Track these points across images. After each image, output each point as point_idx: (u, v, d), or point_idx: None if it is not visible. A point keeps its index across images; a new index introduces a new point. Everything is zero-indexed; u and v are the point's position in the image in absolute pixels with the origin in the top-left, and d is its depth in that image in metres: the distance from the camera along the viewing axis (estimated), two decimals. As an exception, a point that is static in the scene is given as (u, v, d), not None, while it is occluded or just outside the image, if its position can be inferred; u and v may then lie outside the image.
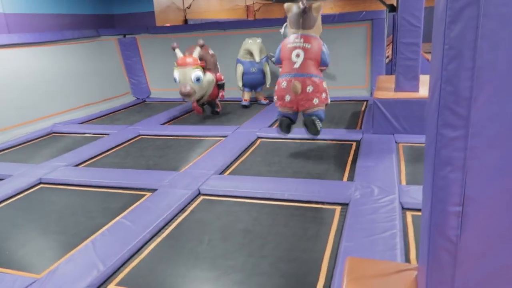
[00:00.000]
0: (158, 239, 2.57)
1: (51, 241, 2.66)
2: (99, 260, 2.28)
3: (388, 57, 7.09)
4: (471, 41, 0.95)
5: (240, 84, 5.99)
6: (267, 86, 6.03)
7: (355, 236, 2.33)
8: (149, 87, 7.61)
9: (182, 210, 2.93)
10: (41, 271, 2.30)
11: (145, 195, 3.20)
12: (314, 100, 3.66)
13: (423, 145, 1.31)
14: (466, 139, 1.01)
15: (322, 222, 2.64)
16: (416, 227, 2.49)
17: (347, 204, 2.80)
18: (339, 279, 1.96)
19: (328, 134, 4.41)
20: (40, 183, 3.61)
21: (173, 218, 2.81)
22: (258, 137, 4.56)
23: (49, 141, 5.03)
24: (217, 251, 2.39)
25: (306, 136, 4.40)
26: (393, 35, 7.31)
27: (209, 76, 5.11)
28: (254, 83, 6.01)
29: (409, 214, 2.65)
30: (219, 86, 5.41)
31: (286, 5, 3.95)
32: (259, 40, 5.86)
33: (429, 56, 7.44)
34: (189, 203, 3.03)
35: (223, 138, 4.54)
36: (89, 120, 6.00)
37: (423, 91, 4.23)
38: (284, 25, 5.38)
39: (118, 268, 2.28)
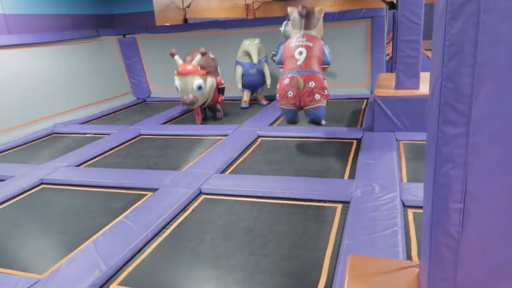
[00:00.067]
0: (160, 239, 2.57)
1: (53, 241, 2.66)
2: (101, 260, 2.28)
3: (388, 54, 7.08)
4: (472, 37, 0.94)
5: (240, 85, 5.94)
6: (268, 86, 5.98)
7: (356, 234, 2.33)
8: (150, 86, 7.61)
9: (184, 209, 2.94)
10: (43, 272, 2.30)
11: (146, 194, 3.21)
12: (316, 96, 3.85)
13: (424, 142, 1.31)
14: (467, 136, 1.01)
15: (324, 220, 2.64)
16: (418, 224, 2.49)
17: (348, 202, 2.80)
18: (340, 277, 1.96)
19: (329, 132, 4.41)
20: (42, 183, 3.61)
21: (174, 218, 2.82)
22: (259, 136, 4.56)
23: (50, 142, 5.04)
24: (219, 250, 2.39)
25: (306, 134, 4.42)
26: (393, 33, 7.30)
27: (210, 80, 5.05)
28: (254, 84, 5.96)
29: (410, 212, 2.65)
30: (219, 90, 5.35)
31: (289, 9, 4.18)
32: (256, 41, 5.79)
33: (429, 54, 7.43)
34: (190, 202, 3.03)
35: (224, 137, 4.54)
36: (90, 120, 6.00)
37: (424, 88, 4.22)
38: (284, 23, 5.39)
39: (120, 268, 2.28)
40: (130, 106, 6.91)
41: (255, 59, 5.65)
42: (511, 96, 0.96)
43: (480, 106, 0.98)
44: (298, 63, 3.87)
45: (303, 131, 4.52)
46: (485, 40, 0.93)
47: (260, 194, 3.04)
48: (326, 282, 2.03)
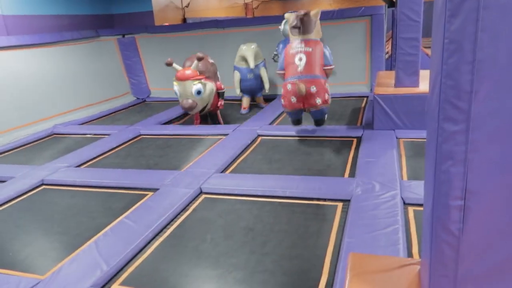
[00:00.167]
0: (161, 238, 2.57)
1: (54, 242, 2.66)
2: (102, 260, 2.28)
3: (387, 52, 7.08)
4: (471, 34, 0.94)
5: (238, 91, 5.81)
6: (266, 91, 5.88)
7: (357, 232, 2.33)
8: (149, 86, 7.61)
9: (184, 209, 2.94)
10: (45, 272, 2.31)
11: (147, 194, 3.21)
12: (317, 100, 3.96)
13: (424, 140, 1.31)
14: (467, 133, 1.01)
15: (324, 219, 2.64)
16: (418, 222, 2.49)
17: (348, 201, 2.81)
18: (342, 275, 1.96)
19: (329, 131, 4.41)
20: (42, 184, 3.61)
21: (175, 217, 2.82)
22: (259, 135, 4.56)
23: (50, 143, 5.04)
24: (220, 249, 2.39)
25: (306, 133, 4.42)
26: (393, 31, 7.30)
27: (210, 85, 4.96)
28: (252, 89, 5.83)
29: (410, 209, 2.65)
30: (219, 94, 5.25)
31: (286, 15, 4.18)
32: (253, 46, 5.67)
33: (428, 51, 7.42)
34: (191, 202, 3.03)
35: (224, 137, 4.54)
36: (90, 121, 6.00)
37: (423, 86, 4.22)
38: (284, 21, 5.39)
39: (122, 268, 2.28)
40: (130, 106, 6.91)
41: (251, 64, 5.52)
42: (511, 93, 0.96)
43: (480, 103, 0.98)
44: (299, 69, 3.93)
45: (303, 130, 4.53)
46: (484, 37, 0.93)
47: (260, 193, 3.04)
48: (327, 281, 2.03)
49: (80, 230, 2.77)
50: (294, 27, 4.02)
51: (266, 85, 5.80)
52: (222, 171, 3.57)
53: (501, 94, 0.96)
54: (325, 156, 3.80)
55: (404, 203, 2.70)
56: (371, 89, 6.19)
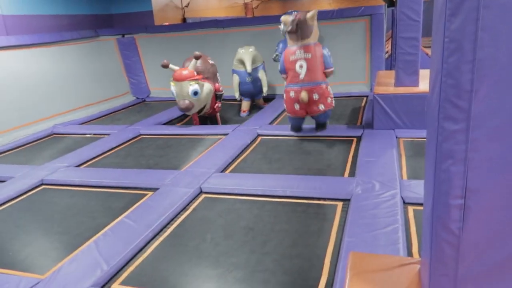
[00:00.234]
0: (161, 238, 2.57)
1: (54, 241, 2.66)
2: (102, 259, 2.28)
3: (387, 52, 7.08)
4: (471, 33, 0.94)
5: (237, 94, 5.74)
6: (265, 94, 5.82)
7: (357, 231, 2.34)
8: (149, 86, 7.60)
9: (184, 208, 2.94)
10: (45, 272, 2.31)
11: (147, 194, 3.21)
12: (320, 106, 4.09)
13: (424, 139, 1.31)
14: (467, 132, 1.01)
15: (324, 218, 2.64)
16: (418, 221, 2.49)
17: (348, 200, 2.81)
18: (342, 274, 1.96)
19: (329, 130, 4.41)
20: (42, 184, 3.61)
21: (175, 217, 2.82)
22: (259, 135, 4.56)
23: (49, 142, 5.04)
24: (220, 249, 2.39)
25: (306, 133, 4.42)
26: (392, 30, 7.30)
27: (208, 86, 4.86)
28: (252, 92, 5.76)
29: (410, 209, 2.65)
30: (217, 96, 5.17)
31: (283, 18, 4.09)
32: (251, 49, 5.60)
33: (428, 51, 7.43)
34: (191, 201, 3.04)
35: (224, 136, 4.54)
36: (90, 121, 6.00)
37: (423, 85, 4.22)
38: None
39: (122, 267, 2.28)
40: (129, 106, 6.91)
41: (248, 68, 5.43)
42: (511, 92, 0.96)
43: (480, 102, 0.98)
44: (300, 77, 4.01)
45: (302, 129, 4.53)
46: (485, 36, 0.94)
47: (260, 193, 3.04)
48: (327, 280, 2.04)
49: (80, 229, 2.77)
50: (290, 32, 3.99)
51: (265, 88, 5.73)
52: (222, 171, 3.57)
53: (501, 93, 0.96)
54: (325, 156, 3.80)
55: (404, 202, 2.70)
56: (371, 89, 6.19)
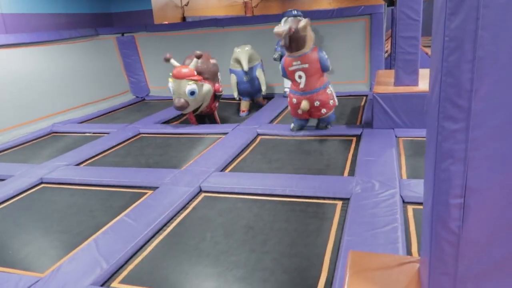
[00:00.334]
0: (161, 237, 2.57)
1: (53, 240, 2.66)
2: (102, 258, 2.28)
3: (387, 51, 7.08)
4: (471, 32, 0.94)
5: (236, 94, 5.69)
6: (263, 93, 5.79)
7: (356, 231, 2.34)
8: (148, 85, 7.60)
9: (184, 207, 2.94)
10: (45, 270, 2.31)
11: (146, 193, 3.21)
12: (322, 111, 4.21)
13: (423, 139, 1.31)
14: (467, 131, 1.01)
15: (324, 217, 2.65)
16: (417, 220, 2.50)
17: (348, 199, 2.81)
18: (341, 273, 1.97)
19: (328, 130, 4.41)
20: (42, 183, 3.61)
21: (175, 216, 2.82)
22: (258, 134, 4.56)
23: (49, 141, 5.03)
24: (220, 248, 2.40)
25: (306, 132, 4.43)
26: (392, 29, 7.30)
27: (207, 87, 4.80)
28: (250, 91, 5.71)
29: (410, 208, 2.66)
30: (216, 97, 5.10)
31: (275, 30, 3.92)
32: (247, 48, 5.53)
33: (428, 50, 7.43)
34: (190, 200, 3.04)
35: (224, 136, 4.54)
36: (89, 119, 5.99)
37: (423, 85, 4.22)
38: (283, 19, 5.38)
39: (122, 266, 2.29)
40: (129, 105, 6.91)
41: (245, 67, 5.37)
42: (511, 91, 0.96)
43: (480, 101, 0.98)
44: (301, 86, 4.12)
45: (302, 129, 4.53)
46: (485, 35, 0.94)
47: (260, 192, 3.04)
48: (326, 279, 2.04)
49: (79, 228, 2.77)
50: (285, 47, 4.03)
51: (263, 87, 5.67)
52: (222, 170, 3.57)
53: (502, 92, 0.96)
54: (324, 155, 3.80)
55: (403, 201, 2.71)
56: (370, 88, 6.19)
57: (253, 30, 6.67)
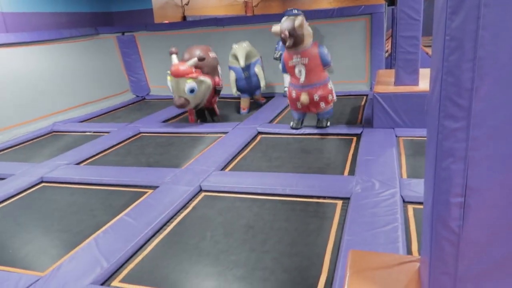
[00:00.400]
0: (161, 236, 2.58)
1: (54, 239, 2.67)
2: (102, 257, 2.28)
3: (387, 51, 7.07)
4: (472, 31, 0.94)
5: (234, 90, 5.66)
6: (263, 88, 5.76)
7: (356, 230, 2.34)
8: (149, 84, 7.60)
9: (184, 206, 2.94)
10: (45, 269, 2.31)
11: (147, 192, 3.21)
12: (321, 105, 4.24)
13: (424, 138, 1.31)
14: (467, 130, 1.02)
15: (324, 217, 2.65)
16: (418, 220, 2.50)
17: (348, 198, 2.81)
18: (341, 272, 1.97)
19: (329, 129, 4.41)
20: (42, 182, 3.61)
21: (175, 215, 2.82)
22: (259, 133, 4.57)
23: (49, 140, 5.04)
24: (220, 247, 2.40)
25: (306, 131, 4.43)
26: (393, 29, 7.29)
27: (207, 82, 4.72)
28: (249, 87, 5.70)
29: (410, 207, 2.66)
30: (216, 91, 5.04)
31: (273, 30, 4.14)
32: (245, 44, 5.52)
33: (428, 50, 7.43)
34: (191, 199, 3.04)
35: (224, 135, 4.54)
36: (89, 119, 6.00)
37: (423, 84, 4.22)
38: (283, 19, 5.37)
39: (122, 265, 2.29)
40: (129, 104, 6.91)
41: (242, 63, 5.35)
42: (511, 91, 0.96)
43: (481, 100, 0.98)
44: (301, 81, 4.15)
45: (302, 128, 4.53)
46: (485, 34, 0.94)
47: (260, 191, 3.04)
48: (327, 278, 2.04)
49: (80, 227, 2.77)
50: (283, 42, 4.06)
51: (262, 83, 5.65)
52: (222, 169, 3.57)
53: (502, 91, 0.96)
54: (324, 154, 3.80)
55: (404, 201, 2.71)
56: (370, 88, 6.19)
57: (253, 29, 6.66)
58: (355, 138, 4.16)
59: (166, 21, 9.02)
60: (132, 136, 4.86)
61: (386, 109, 4.16)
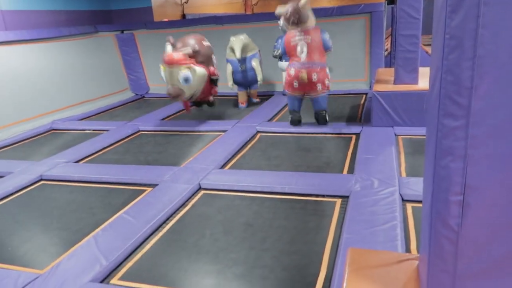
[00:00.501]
0: (160, 234, 2.58)
1: (53, 237, 2.67)
2: (101, 255, 2.29)
3: (387, 49, 7.07)
4: (472, 30, 0.94)
5: (230, 83, 5.67)
6: (260, 82, 5.74)
7: (356, 228, 2.34)
8: (148, 83, 7.59)
9: (183, 204, 2.94)
10: (44, 267, 2.31)
11: (146, 190, 3.21)
12: (318, 86, 4.27)
13: (423, 137, 1.32)
14: (467, 128, 1.02)
15: (323, 215, 2.65)
16: (416, 218, 2.50)
17: (347, 197, 2.81)
18: (340, 270, 1.97)
19: (328, 128, 4.41)
20: (41, 179, 3.61)
21: (174, 213, 2.82)
22: (258, 131, 4.57)
23: (48, 138, 5.03)
24: (219, 245, 2.40)
25: (305, 130, 4.43)
26: (392, 28, 7.29)
27: (201, 71, 4.50)
28: (246, 81, 5.70)
29: (409, 206, 2.66)
30: (212, 81, 4.89)
31: (277, 12, 4.32)
32: (242, 37, 5.51)
33: (428, 49, 7.43)
34: (190, 197, 3.04)
35: (223, 133, 4.54)
36: (88, 117, 5.99)
37: (423, 83, 4.23)
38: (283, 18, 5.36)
39: (121, 263, 2.29)
40: (128, 102, 6.90)
41: (238, 54, 5.33)
42: (511, 89, 0.96)
43: (480, 99, 0.98)
44: (302, 59, 4.19)
45: (302, 126, 4.53)
46: (485, 33, 0.94)
47: (259, 189, 3.04)
48: (326, 276, 2.04)
49: (79, 225, 2.77)
50: (288, 20, 4.18)
51: (259, 76, 5.61)
52: (221, 167, 3.58)
53: (502, 90, 0.97)
54: (324, 153, 3.80)
55: (403, 199, 2.71)
56: (370, 86, 6.19)
57: (253, 27, 6.65)
58: (354, 137, 4.16)
59: (166, 19, 9.00)
60: (131, 134, 4.86)
61: (386, 107, 4.16)
